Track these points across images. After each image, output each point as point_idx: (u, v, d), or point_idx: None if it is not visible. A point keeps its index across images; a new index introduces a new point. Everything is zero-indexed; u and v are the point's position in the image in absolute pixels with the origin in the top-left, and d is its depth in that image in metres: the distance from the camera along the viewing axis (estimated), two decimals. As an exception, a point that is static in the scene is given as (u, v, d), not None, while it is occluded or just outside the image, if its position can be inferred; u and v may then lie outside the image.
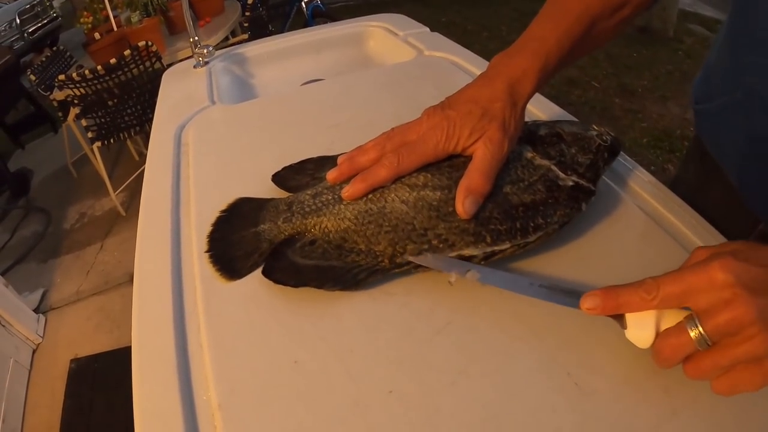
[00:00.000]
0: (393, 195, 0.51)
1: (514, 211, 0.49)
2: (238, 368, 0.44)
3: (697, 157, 0.72)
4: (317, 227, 0.52)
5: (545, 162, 0.53)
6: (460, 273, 0.46)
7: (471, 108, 0.52)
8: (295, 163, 0.64)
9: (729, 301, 0.34)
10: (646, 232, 0.53)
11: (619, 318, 0.40)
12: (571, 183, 0.51)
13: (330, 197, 0.53)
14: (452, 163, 0.53)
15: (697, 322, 0.35)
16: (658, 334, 0.38)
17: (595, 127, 0.57)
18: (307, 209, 0.53)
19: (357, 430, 0.39)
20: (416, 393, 0.41)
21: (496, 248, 0.47)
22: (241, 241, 0.55)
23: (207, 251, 0.55)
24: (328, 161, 0.61)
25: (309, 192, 0.55)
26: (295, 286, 0.48)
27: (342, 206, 0.52)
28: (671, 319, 0.37)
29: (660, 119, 3.19)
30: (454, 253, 0.47)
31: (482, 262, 0.48)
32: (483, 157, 0.50)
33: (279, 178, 0.62)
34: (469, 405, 0.39)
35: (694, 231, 0.53)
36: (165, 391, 0.43)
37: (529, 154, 0.54)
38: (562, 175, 0.52)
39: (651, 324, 0.38)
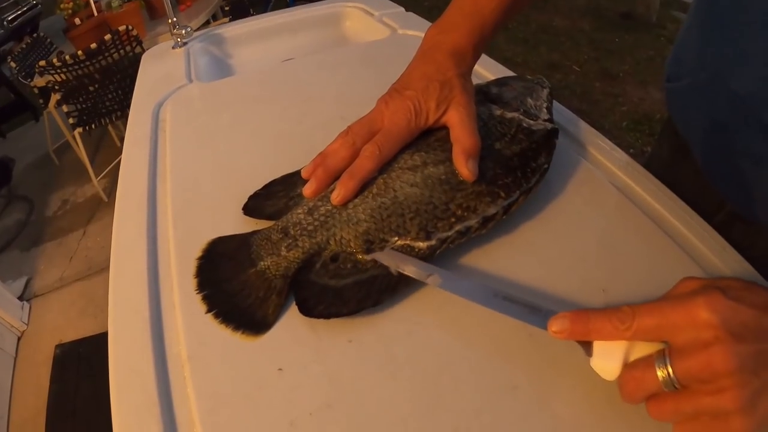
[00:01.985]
0: (398, 182, 0.50)
1: (511, 162, 0.52)
2: (208, 324, 0.46)
3: (671, 135, 0.73)
4: (332, 240, 0.48)
5: (514, 114, 0.56)
6: (421, 277, 0.45)
7: (427, 83, 0.53)
8: (260, 190, 0.58)
9: (707, 344, 0.31)
10: (621, 209, 0.55)
11: (586, 344, 0.37)
12: (541, 127, 0.55)
13: (330, 207, 0.50)
14: (437, 137, 0.54)
15: (667, 361, 0.32)
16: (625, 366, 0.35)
17: (529, 77, 0.62)
18: (310, 228, 0.49)
19: (321, 380, 0.41)
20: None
21: (510, 200, 0.49)
22: (245, 288, 0.48)
23: (209, 312, 0.47)
24: (294, 178, 0.57)
25: (299, 211, 0.51)
26: (350, 313, 0.44)
27: (350, 210, 0.49)
28: (642, 350, 0.34)
29: (640, 103, 3.23)
30: (478, 217, 0.48)
31: (504, 216, 0.49)
32: (461, 119, 0.52)
33: (252, 210, 0.56)
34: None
35: (667, 208, 0.55)
36: (138, 346, 0.45)
37: (498, 111, 0.57)
38: (531, 122, 0.55)
39: (619, 355, 0.35)
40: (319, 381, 0.41)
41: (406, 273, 0.46)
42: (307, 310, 0.45)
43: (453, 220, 0.48)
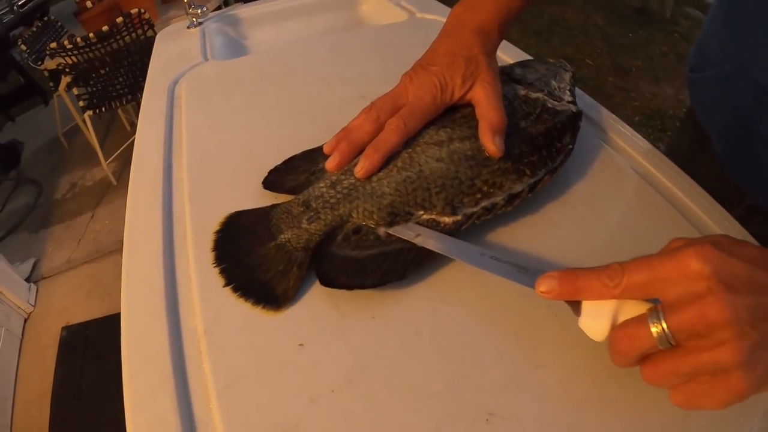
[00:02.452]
0: (423, 157, 0.49)
1: (537, 141, 0.51)
2: (225, 297, 0.45)
3: (691, 126, 0.73)
4: (355, 213, 0.47)
5: (539, 95, 0.56)
6: (409, 237, 0.45)
7: (452, 60, 0.53)
8: (280, 165, 0.57)
9: (701, 296, 0.30)
10: (642, 194, 0.54)
11: (575, 304, 0.36)
12: (565, 108, 0.55)
13: (353, 180, 0.49)
14: (463, 114, 0.53)
15: (661, 316, 0.31)
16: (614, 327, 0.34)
17: (552, 60, 0.62)
18: (333, 201, 0.48)
19: (343, 356, 0.40)
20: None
21: (536, 179, 0.49)
22: (265, 261, 0.47)
23: (227, 285, 0.46)
24: (315, 153, 0.56)
25: (321, 185, 0.50)
26: (375, 285, 0.43)
27: (374, 184, 0.48)
28: (632, 310, 0.33)
29: (653, 99, 3.20)
30: (504, 194, 0.47)
31: (530, 194, 0.49)
32: (487, 96, 0.51)
33: (272, 184, 0.55)
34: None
35: (687, 194, 0.54)
36: (152, 320, 0.45)
37: (523, 91, 0.56)
38: (555, 103, 0.55)
39: (608, 313, 0.34)
40: (341, 357, 0.40)
41: (393, 233, 0.46)
42: (328, 281, 0.44)
43: (479, 196, 0.47)
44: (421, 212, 0.47)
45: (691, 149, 0.72)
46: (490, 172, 0.48)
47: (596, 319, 0.34)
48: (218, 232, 0.51)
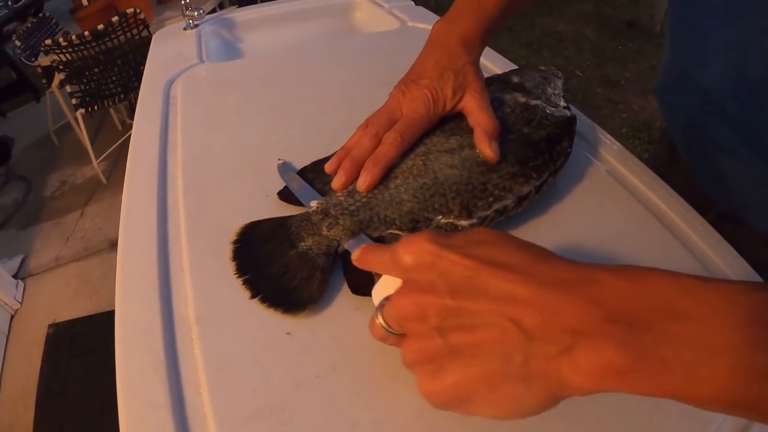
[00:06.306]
0: (437, 164, 0.52)
1: (540, 146, 0.54)
2: (217, 287, 0.47)
3: (666, 138, 0.76)
4: (376, 218, 0.49)
5: (538, 102, 0.58)
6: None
7: (441, 72, 0.55)
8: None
9: (400, 290, 0.32)
10: (617, 198, 0.56)
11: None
12: (562, 113, 0.58)
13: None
14: (468, 122, 0.55)
15: (378, 310, 0.33)
16: None
17: (543, 67, 0.65)
18: (352, 208, 0.50)
19: (329, 344, 0.42)
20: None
21: (541, 180, 0.51)
22: (288, 269, 0.48)
23: (254, 297, 0.46)
24: (324, 165, 0.56)
25: (339, 194, 0.52)
26: None
27: (392, 191, 0.51)
28: None
29: (641, 111, 3.24)
30: (514, 197, 0.50)
31: (536, 195, 0.51)
32: (479, 104, 0.54)
33: (288, 196, 0.56)
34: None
35: (663, 200, 0.56)
36: (146, 308, 0.46)
37: (522, 99, 0.59)
38: (553, 109, 0.58)
39: (389, 289, 0.35)
40: (326, 345, 0.42)
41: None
42: (357, 290, 0.46)
43: (491, 199, 0.50)
44: (440, 217, 0.49)
45: (667, 159, 0.75)
46: (500, 176, 0.51)
47: (379, 294, 0.36)
48: (236, 242, 0.51)
